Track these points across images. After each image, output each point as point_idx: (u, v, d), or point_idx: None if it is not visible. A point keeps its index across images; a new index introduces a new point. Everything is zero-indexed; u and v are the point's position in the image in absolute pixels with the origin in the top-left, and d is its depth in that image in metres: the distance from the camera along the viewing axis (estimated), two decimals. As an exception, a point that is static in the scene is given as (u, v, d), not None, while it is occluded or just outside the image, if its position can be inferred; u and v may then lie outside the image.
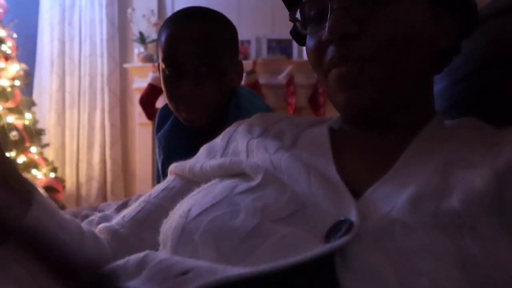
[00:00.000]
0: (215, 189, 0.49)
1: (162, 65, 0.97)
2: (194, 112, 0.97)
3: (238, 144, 0.60)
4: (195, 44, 0.94)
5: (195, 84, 0.94)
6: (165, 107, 1.09)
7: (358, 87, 0.53)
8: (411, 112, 0.56)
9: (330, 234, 0.39)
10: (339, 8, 0.52)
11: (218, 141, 0.64)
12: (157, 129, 1.11)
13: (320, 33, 0.55)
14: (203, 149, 0.65)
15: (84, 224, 0.59)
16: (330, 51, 0.54)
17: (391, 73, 0.53)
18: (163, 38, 0.97)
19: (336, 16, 0.52)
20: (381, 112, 0.55)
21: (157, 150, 1.12)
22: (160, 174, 1.10)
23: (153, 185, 0.69)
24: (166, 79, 0.98)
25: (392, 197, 0.43)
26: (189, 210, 0.45)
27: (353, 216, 0.40)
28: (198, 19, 0.97)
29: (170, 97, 0.98)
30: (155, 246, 0.50)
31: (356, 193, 0.45)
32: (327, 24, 0.52)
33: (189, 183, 0.60)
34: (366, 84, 0.53)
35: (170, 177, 0.65)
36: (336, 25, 0.52)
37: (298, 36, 0.65)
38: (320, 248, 0.37)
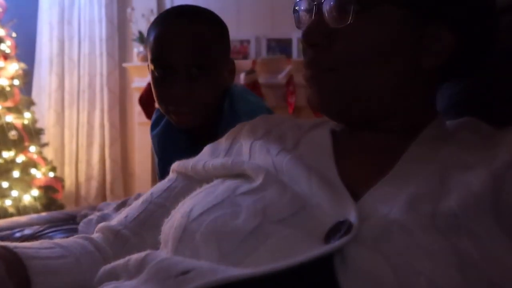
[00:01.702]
0: (217, 189, 0.49)
1: (151, 66, 0.94)
2: (185, 114, 0.94)
3: (242, 146, 0.61)
4: (185, 44, 0.91)
5: (186, 85, 0.91)
6: (158, 110, 1.07)
7: (320, 91, 0.57)
8: (405, 117, 0.56)
9: (329, 235, 0.40)
10: (316, 16, 0.55)
11: (223, 141, 0.65)
12: (152, 128, 1.09)
13: None
14: (207, 148, 0.66)
15: (81, 228, 0.59)
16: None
17: (350, 84, 0.55)
18: (151, 38, 0.94)
19: (309, 26, 0.56)
20: (352, 118, 0.57)
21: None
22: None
23: (153, 184, 0.68)
24: (155, 81, 0.94)
25: (391, 198, 0.43)
26: (191, 210, 0.46)
27: (352, 218, 0.40)
28: (187, 18, 0.94)
29: (160, 99, 0.95)
30: (157, 246, 0.50)
31: (356, 195, 0.45)
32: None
33: (191, 183, 0.61)
34: (325, 90, 0.57)
35: (172, 175, 0.65)
36: (307, 35, 0.56)
37: None
38: (320, 249, 0.37)
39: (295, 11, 0.61)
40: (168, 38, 0.92)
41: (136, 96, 3.40)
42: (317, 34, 0.55)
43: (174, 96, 0.91)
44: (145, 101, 3.33)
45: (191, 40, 0.91)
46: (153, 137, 1.08)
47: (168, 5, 3.51)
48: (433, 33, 0.54)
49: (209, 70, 0.93)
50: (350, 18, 0.52)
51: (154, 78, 0.95)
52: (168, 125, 1.03)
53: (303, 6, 0.59)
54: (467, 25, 0.56)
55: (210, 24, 0.96)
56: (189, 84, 0.91)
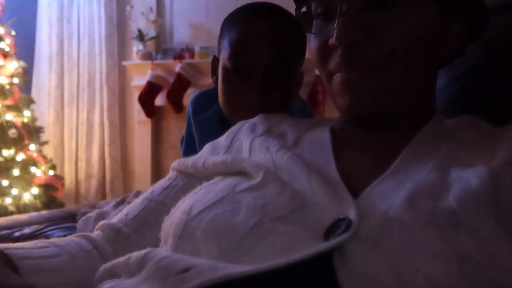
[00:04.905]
0: (217, 187, 0.50)
1: (226, 64, 0.87)
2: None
3: (242, 143, 0.61)
4: (272, 47, 0.84)
5: (262, 91, 0.84)
6: (203, 95, 1.02)
7: (362, 92, 0.53)
8: (414, 113, 0.57)
9: (329, 232, 0.40)
10: (348, 12, 0.51)
11: (223, 140, 0.65)
12: (196, 112, 0.99)
13: (326, 34, 0.54)
14: (207, 147, 0.66)
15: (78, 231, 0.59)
16: (337, 55, 0.53)
17: (398, 81, 0.53)
18: (233, 34, 0.87)
19: (345, 22, 0.51)
20: (384, 117, 0.55)
21: (192, 134, 1.01)
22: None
23: (152, 182, 0.68)
24: (229, 82, 0.87)
25: (390, 195, 0.44)
26: (191, 207, 0.46)
27: (352, 215, 0.40)
28: (275, 18, 0.87)
29: (231, 101, 0.88)
30: (157, 244, 0.50)
31: (356, 192, 0.45)
32: (335, 28, 0.51)
33: (191, 181, 0.61)
34: (371, 91, 0.53)
35: (172, 174, 0.65)
36: (344, 32, 0.51)
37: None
38: (319, 246, 0.37)
39: (306, 18, 0.57)
40: (255, 37, 0.85)
41: (135, 94, 3.41)
42: (356, 30, 0.51)
43: (249, 103, 0.85)
44: (145, 99, 3.33)
45: (278, 43, 0.85)
46: (199, 122, 0.99)
47: (167, 3, 3.50)
48: (450, 23, 0.56)
49: (286, 79, 0.87)
50: (397, 4, 0.50)
51: (228, 78, 0.88)
52: (220, 117, 0.96)
53: (320, 10, 0.56)
54: (475, 10, 0.57)
55: (297, 30, 0.89)
56: (265, 90, 0.85)
